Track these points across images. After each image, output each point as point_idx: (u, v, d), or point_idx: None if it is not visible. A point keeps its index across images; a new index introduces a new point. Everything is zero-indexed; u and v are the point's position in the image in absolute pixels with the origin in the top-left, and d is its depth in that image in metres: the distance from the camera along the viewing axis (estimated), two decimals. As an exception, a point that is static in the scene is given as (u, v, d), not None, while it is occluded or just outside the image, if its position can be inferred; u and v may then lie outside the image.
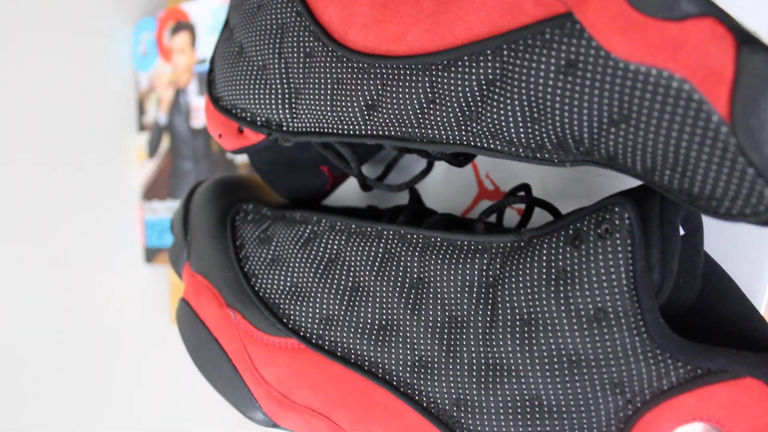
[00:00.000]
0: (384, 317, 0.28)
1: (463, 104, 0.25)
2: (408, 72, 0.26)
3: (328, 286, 0.29)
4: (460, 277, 0.26)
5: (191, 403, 0.58)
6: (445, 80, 0.25)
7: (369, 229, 0.29)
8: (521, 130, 0.24)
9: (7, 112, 0.51)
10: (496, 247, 0.26)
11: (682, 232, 0.26)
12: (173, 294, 0.57)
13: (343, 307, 0.28)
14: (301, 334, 0.29)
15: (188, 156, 0.55)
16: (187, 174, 0.55)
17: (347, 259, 0.29)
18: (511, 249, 0.26)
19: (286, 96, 0.30)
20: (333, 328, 0.29)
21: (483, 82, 0.24)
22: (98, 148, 0.57)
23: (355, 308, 0.28)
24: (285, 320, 0.29)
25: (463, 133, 0.26)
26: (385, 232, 0.29)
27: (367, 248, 0.29)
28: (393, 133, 0.27)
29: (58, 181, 0.54)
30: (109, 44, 0.58)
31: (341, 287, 0.29)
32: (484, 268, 0.26)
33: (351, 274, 0.29)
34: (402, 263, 0.28)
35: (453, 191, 0.35)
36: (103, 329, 0.56)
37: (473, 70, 0.24)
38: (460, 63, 0.24)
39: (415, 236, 0.28)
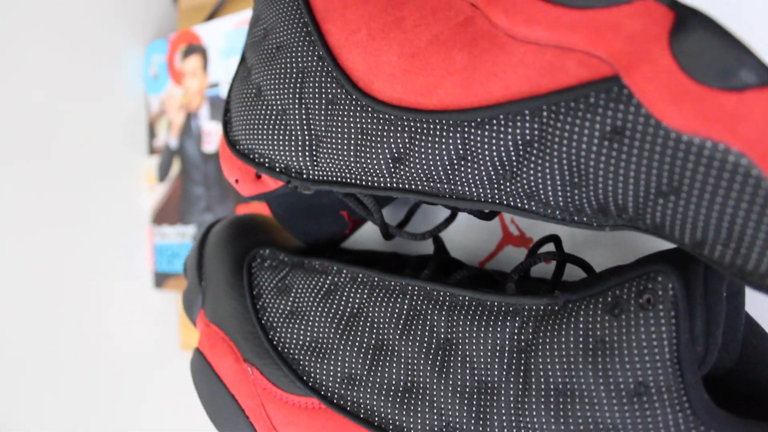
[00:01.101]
0: (410, 378, 0.26)
1: (497, 163, 0.23)
2: (438, 127, 0.24)
3: (350, 343, 0.27)
4: (490, 340, 0.25)
5: (199, 430, 0.56)
6: (479, 138, 0.23)
7: (392, 283, 0.28)
8: (559, 193, 0.23)
9: (16, 133, 0.50)
10: (528, 310, 0.25)
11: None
12: (183, 320, 0.56)
13: (367, 367, 0.27)
14: (322, 393, 0.28)
15: (199, 181, 0.54)
16: (197, 199, 0.54)
17: (370, 314, 0.28)
18: (544, 313, 0.24)
19: (307, 143, 0.28)
20: (356, 388, 0.27)
21: (520, 142, 0.22)
22: (108, 170, 0.55)
23: (379, 368, 0.27)
24: (305, 378, 0.28)
25: (496, 191, 0.24)
26: (410, 288, 0.27)
27: (391, 304, 0.27)
28: (420, 187, 0.26)
29: (67, 203, 0.53)
30: (120, 66, 0.56)
31: (364, 345, 0.27)
32: (516, 331, 0.25)
33: (374, 331, 0.27)
34: (428, 322, 0.26)
35: (476, 236, 0.33)
36: (111, 355, 0.54)
37: (509, 130, 0.22)
38: (495, 121, 0.23)
39: (441, 293, 0.27)
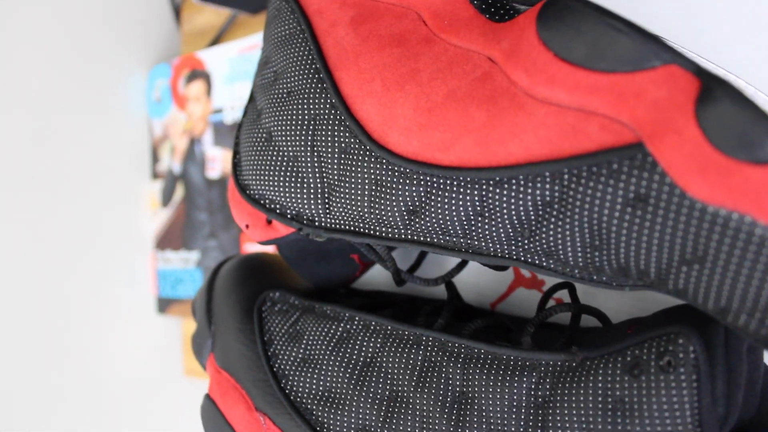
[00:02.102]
0: (425, 433, 0.26)
1: (516, 222, 0.23)
2: (455, 183, 0.24)
3: (364, 394, 0.27)
4: (507, 396, 0.24)
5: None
6: (497, 197, 0.23)
7: (406, 333, 0.27)
8: (579, 254, 0.22)
9: (19, 157, 0.49)
10: (545, 366, 0.24)
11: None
12: (186, 346, 0.55)
13: (381, 419, 0.26)
14: (336, 445, 0.27)
15: (203, 207, 0.53)
16: (201, 225, 0.53)
17: (384, 365, 0.27)
18: (561, 369, 0.24)
19: (319, 191, 0.28)
20: (370, 441, 0.27)
21: (539, 203, 0.22)
22: (111, 194, 0.55)
23: (394, 420, 0.26)
24: (318, 429, 0.27)
25: (513, 248, 0.24)
26: (424, 338, 0.27)
27: (405, 355, 0.27)
28: (436, 240, 0.25)
29: (70, 226, 0.52)
30: (123, 89, 0.56)
31: (378, 396, 0.27)
32: (533, 387, 0.24)
33: (388, 382, 0.27)
34: (443, 375, 0.26)
35: (488, 277, 0.33)
36: (114, 380, 0.54)
37: (529, 191, 0.22)
38: (514, 181, 0.22)
39: (456, 345, 0.26)
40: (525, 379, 0.24)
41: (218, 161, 0.52)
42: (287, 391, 0.29)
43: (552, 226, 0.22)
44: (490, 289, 0.33)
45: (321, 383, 0.28)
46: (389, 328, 0.28)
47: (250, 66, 0.50)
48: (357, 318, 0.29)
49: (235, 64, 0.51)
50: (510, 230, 0.23)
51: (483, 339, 0.27)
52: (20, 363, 0.48)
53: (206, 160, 0.53)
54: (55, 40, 0.51)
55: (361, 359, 0.28)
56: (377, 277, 0.36)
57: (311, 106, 0.28)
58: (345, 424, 0.27)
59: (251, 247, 0.49)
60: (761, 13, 0.28)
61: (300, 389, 0.28)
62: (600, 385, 0.23)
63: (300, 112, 0.28)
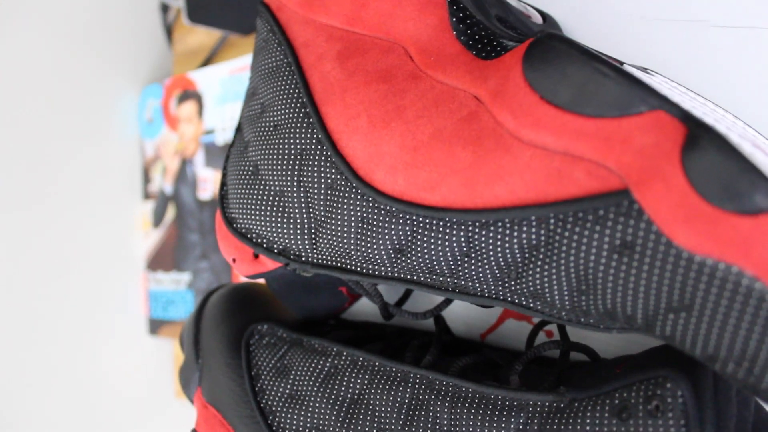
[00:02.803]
0: (412, 474, 0.25)
1: (502, 264, 0.23)
2: (441, 224, 0.23)
3: (351, 431, 0.27)
4: (495, 438, 0.24)
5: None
6: (483, 238, 0.23)
7: (394, 369, 0.27)
8: (566, 297, 0.22)
9: (9, 177, 0.49)
10: (533, 406, 0.24)
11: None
12: (177, 367, 0.55)
13: (368, 459, 0.26)
14: (323, 484, 0.27)
15: (194, 228, 0.53)
16: (193, 246, 0.53)
17: (371, 402, 0.27)
18: (549, 410, 0.24)
19: (306, 226, 0.27)
20: (357, 481, 0.26)
21: (525, 246, 0.22)
22: (102, 214, 0.54)
23: (381, 461, 0.26)
24: (305, 467, 0.27)
25: (500, 288, 0.23)
26: (412, 375, 0.26)
27: (392, 393, 0.26)
28: (422, 279, 0.25)
29: (61, 246, 0.51)
30: (115, 109, 0.55)
31: (365, 435, 0.26)
32: (521, 428, 0.24)
33: (376, 420, 0.26)
34: (431, 414, 0.26)
35: (477, 309, 0.33)
36: (104, 402, 0.53)
37: (515, 234, 0.22)
38: (500, 224, 0.22)
39: (444, 384, 0.26)
40: (513, 419, 0.24)
41: (210, 182, 0.52)
42: (274, 428, 0.28)
43: (539, 269, 0.22)
44: (479, 320, 0.33)
45: (308, 420, 0.28)
46: (377, 364, 0.27)
47: (242, 87, 0.49)
48: (345, 353, 0.28)
49: (227, 84, 0.51)
50: (497, 271, 0.23)
51: (471, 377, 0.26)
52: (9, 384, 0.48)
53: (198, 181, 0.52)
54: (45, 59, 0.51)
55: (349, 396, 0.27)
56: (367, 307, 0.36)
57: (297, 141, 0.27)
58: (332, 463, 0.27)
59: (242, 269, 0.49)
60: (751, 40, 0.27)
61: (287, 426, 0.28)
62: (588, 428, 0.22)
63: (286, 146, 0.28)
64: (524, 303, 0.23)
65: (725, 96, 0.28)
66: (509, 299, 0.23)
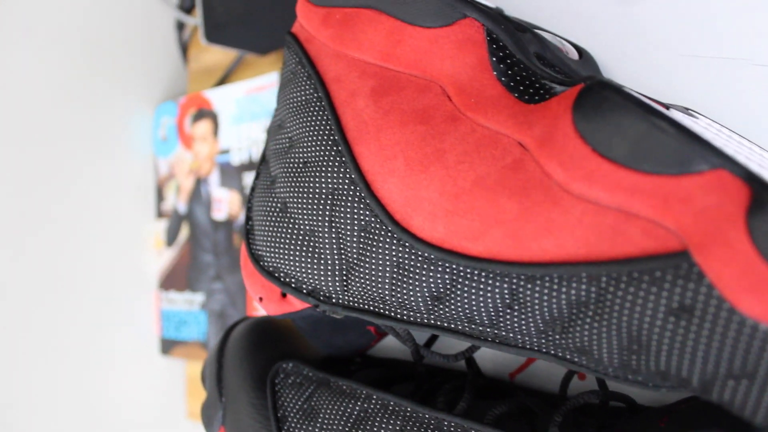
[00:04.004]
0: None
1: (547, 317, 0.22)
2: (484, 274, 0.22)
3: (383, 483, 0.26)
4: (535, 494, 0.23)
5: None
6: (528, 292, 0.22)
7: (426, 416, 0.26)
8: (615, 355, 0.21)
9: (22, 193, 0.48)
10: (575, 463, 0.23)
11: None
12: (190, 389, 0.54)
13: None
14: None
15: (208, 249, 0.52)
16: (206, 267, 0.52)
17: (404, 451, 0.26)
18: (593, 468, 0.23)
19: (337, 268, 0.26)
20: None
21: (574, 302, 0.21)
22: (115, 232, 0.53)
23: None
24: None
25: (543, 341, 0.22)
26: (446, 424, 0.25)
27: (426, 442, 0.25)
28: (461, 328, 0.24)
29: (73, 264, 0.50)
30: (129, 127, 0.54)
31: (398, 486, 0.25)
32: (563, 486, 0.23)
33: (409, 470, 0.25)
34: (467, 466, 0.25)
35: (506, 347, 0.32)
36: (115, 423, 0.52)
37: (563, 289, 0.21)
38: (548, 278, 0.21)
39: (480, 435, 0.25)
40: (554, 477, 0.23)
41: (224, 203, 0.51)
42: (302, 475, 0.27)
43: (587, 326, 0.21)
44: (508, 360, 0.32)
45: (338, 467, 0.27)
46: (409, 409, 0.26)
47: (258, 107, 0.48)
48: (375, 397, 0.27)
49: (243, 104, 0.50)
50: (541, 325, 0.22)
51: (507, 426, 0.25)
52: (17, 402, 0.47)
53: (212, 201, 0.51)
54: (59, 75, 0.50)
55: (380, 443, 0.26)
56: (392, 341, 0.35)
57: (329, 180, 0.26)
58: None
59: (258, 292, 0.48)
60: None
61: (316, 473, 0.27)
62: (636, 490, 0.21)
63: (317, 184, 0.27)
64: (568, 357, 0.22)
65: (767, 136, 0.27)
66: (552, 353, 0.22)
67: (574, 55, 0.28)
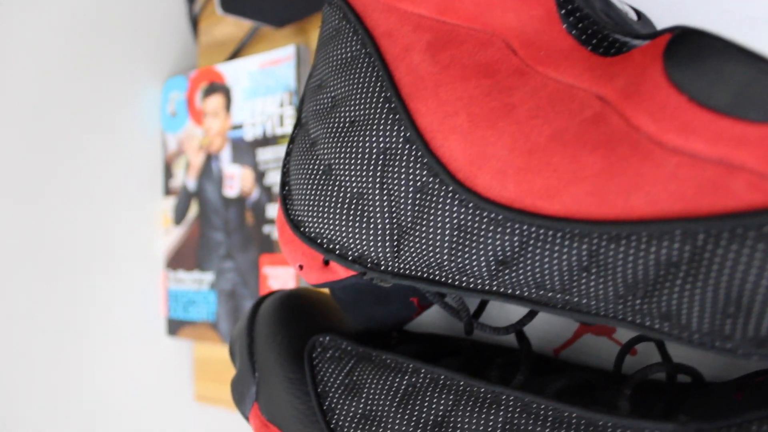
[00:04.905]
0: (509, 507, 0.23)
1: (630, 281, 0.20)
2: (560, 235, 0.21)
3: (437, 459, 0.24)
4: (606, 470, 0.21)
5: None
6: (611, 253, 0.20)
7: (482, 390, 0.24)
8: (705, 320, 0.19)
9: (26, 169, 0.45)
10: (649, 437, 0.21)
11: None
12: (198, 371, 0.51)
13: (458, 489, 0.23)
14: None
15: (219, 226, 0.49)
16: (217, 245, 0.49)
17: (459, 425, 0.24)
18: (669, 442, 0.21)
19: (388, 232, 0.24)
20: None
21: (663, 263, 0.19)
22: (121, 210, 0.50)
23: (473, 492, 0.23)
24: (384, 496, 0.24)
25: (620, 307, 0.21)
26: (504, 398, 0.24)
27: (483, 416, 0.24)
28: (527, 294, 0.22)
29: (77, 243, 0.48)
30: (136, 102, 0.52)
31: (453, 462, 0.24)
32: (636, 460, 0.21)
33: (465, 446, 0.24)
34: (529, 441, 0.23)
35: (551, 321, 0.30)
36: (119, 405, 0.49)
37: (652, 249, 0.19)
38: (634, 238, 0.19)
39: (543, 408, 0.23)
40: (627, 451, 0.21)
41: (237, 179, 0.48)
42: (347, 452, 0.25)
43: (676, 289, 0.19)
44: (554, 335, 0.30)
45: (386, 444, 0.25)
46: (462, 383, 0.25)
47: (273, 81, 0.46)
48: (423, 371, 0.25)
49: (257, 78, 0.47)
50: (621, 289, 0.20)
51: (570, 401, 0.23)
52: (21, 383, 0.44)
53: (224, 177, 0.49)
54: (66, 50, 0.47)
55: (432, 418, 0.24)
56: (426, 317, 0.33)
57: (380, 139, 0.24)
58: (416, 493, 0.24)
59: (272, 271, 0.45)
60: None
61: (362, 450, 0.25)
62: (721, 464, 0.20)
63: (366, 144, 0.25)
64: (648, 324, 0.20)
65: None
66: (630, 319, 0.21)
67: (633, 15, 0.27)
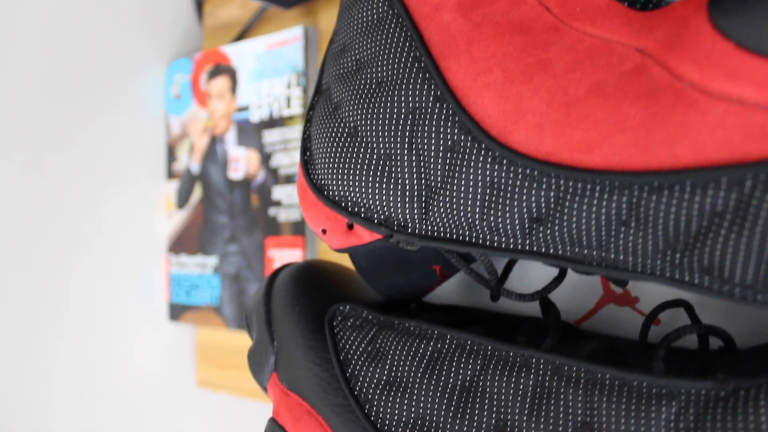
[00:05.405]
0: (542, 469, 0.22)
1: (671, 233, 0.19)
2: (599, 188, 0.20)
3: (467, 422, 0.23)
4: (643, 428, 0.21)
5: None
6: (652, 204, 0.19)
7: (511, 354, 0.24)
8: (750, 271, 0.19)
9: (28, 152, 0.44)
10: (686, 395, 0.21)
11: None
12: (200, 356, 0.50)
13: (489, 452, 0.23)
14: (434, 480, 0.23)
15: (223, 209, 0.48)
16: (221, 229, 0.48)
17: (488, 390, 0.23)
18: (707, 399, 0.21)
19: (416, 193, 0.24)
20: (476, 477, 0.23)
21: (707, 212, 0.19)
22: (123, 193, 0.49)
23: (505, 455, 0.22)
24: (412, 461, 0.23)
25: (659, 262, 0.20)
26: (534, 361, 0.23)
27: (513, 380, 0.23)
28: (561, 252, 0.22)
29: (78, 226, 0.46)
30: (139, 85, 0.51)
31: (483, 425, 0.23)
32: (673, 419, 0.21)
33: (495, 410, 0.23)
34: (562, 402, 0.22)
35: (573, 292, 0.30)
36: (120, 391, 0.48)
37: (696, 198, 0.19)
38: (677, 187, 0.19)
39: (575, 370, 0.22)
40: (663, 409, 0.21)
41: (242, 161, 0.47)
42: (372, 418, 0.24)
43: (720, 239, 0.19)
44: (574, 305, 0.29)
45: (413, 410, 0.24)
46: (489, 348, 0.24)
47: (281, 62, 0.46)
48: (449, 336, 0.25)
49: (264, 59, 0.47)
50: (660, 242, 0.20)
51: (608, 364, 0.23)
52: (22, 367, 0.43)
53: (228, 160, 0.48)
54: (69, 31, 0.46)
55: (459, 383, 0.24)
56: (444, 291, 0.32)
57: (410, 98, 0.24)
58: (445, 457, 0.23)
59: (277, 254, 0.45)
60: None
61: (388, 416, 0.24)
62: (763, 418, 0.19)
63: (395, 104, 0.24)
64: (687, 279, 0.20)
65: None
66: (668, 275, 0.20)
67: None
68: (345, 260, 0.42)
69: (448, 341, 0.25)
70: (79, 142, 0.47)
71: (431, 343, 0.25)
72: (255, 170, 0.47)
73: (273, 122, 0.46)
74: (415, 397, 0.24)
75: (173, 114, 0.51)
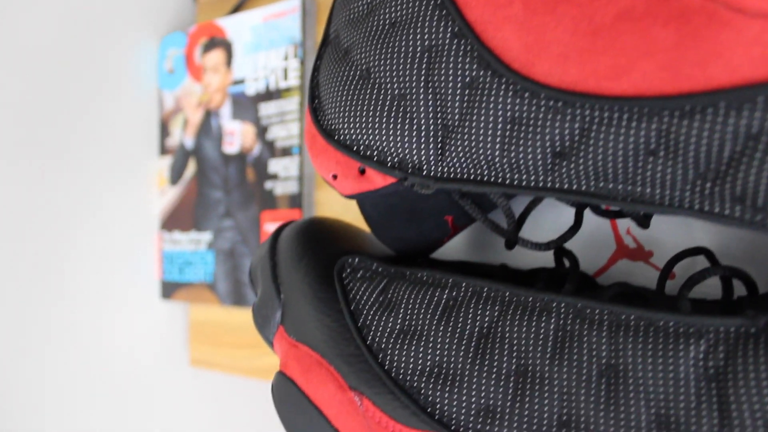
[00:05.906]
0: (568, 411, 0.21)
1: (702, 160, 0.19)
2: (627, 116, 0.19)
3: (486, 369, 0.22)
4: (671, 368, 0.20)
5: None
6: (683, 130, 0.19)
7: (530, 299, 0.23)
8: (785, 197, 0.18)
9: (18, 127, 0.42)
10: (715, 332, 0.20)
11: None
12: (193, 335, 0.49)
13: (510, 397, 0.22)
14: (453, 428, 0.22)
15: (218, 184, 0.47)
16: (215, 204, 0.47)
17: (507, 335, 0.22)
18: (737, 336, 0.20)
19: (432, 133, 0.23)
20: (497, 422, 0.22)
21: (742, 135, 0.18)
22: (115, 169, 0.48)
23: (527, 399, 0.21)
24: (429, 409, 0.22)
25: (687, 194, 0.20)
26: (555, 305, 0.22)
27: (534, 324, 0.22)
28: (585, 188, 0.21)
29: (70, 204, 0.45)
30: (132, 59, 0.49)
31: (504, 371, 0.22)
32: (702, 357, 0.20)
33: (515, 355, 0.22)
34: (585, 345, 0.21)
35: (586, 247, 0.29)
36: (113, 370, 0.46)
37: (730, 120, 0.18)
38: (711, 110, 0.18)
39: (597, 312, 0.22)
40: (692, 348, 0.20)
41: (237, 135, 0.46)
42: (386, 367, 0.23)
43: (755, 164, 0.18)
44: (587, 261, 0.29)
45: (428, 358, 0.23)
46: (507, 294, 0.23)
47: (277, 34, 0.44)
48: (464, 284, 0.24)
49: (260, 31, 0.45)
50: (690, 172, 0.19)
51: (631, 305, 0.22)
52: (12, 348, 0.41)
53: (224, 134, 0.47)
54: (59, 4, 0.45)
55: (476, 330, 0.23)
56: (451, 250, 0.31)
57: (425, 36, 0.23)
58: (464, 404, 0.22)
59: (273, 227, 0.43)
60: None
61: (402, 365, 0.23)
62: (796, 353, 0.19)
63: (410, 43, 0.23)
64: (717, 210, 0.19)
65: None
66: (697, 207, 0.20)
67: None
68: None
69: (463, 289, 0.24)
70: (70, 119, 0.45)
71: (446, 291, 0.24)
72: (251, 144, 0.45)
73: (269, 95, 0.45)
74: (431, 346, 0.23)
75: (166, 89, 0.50)
